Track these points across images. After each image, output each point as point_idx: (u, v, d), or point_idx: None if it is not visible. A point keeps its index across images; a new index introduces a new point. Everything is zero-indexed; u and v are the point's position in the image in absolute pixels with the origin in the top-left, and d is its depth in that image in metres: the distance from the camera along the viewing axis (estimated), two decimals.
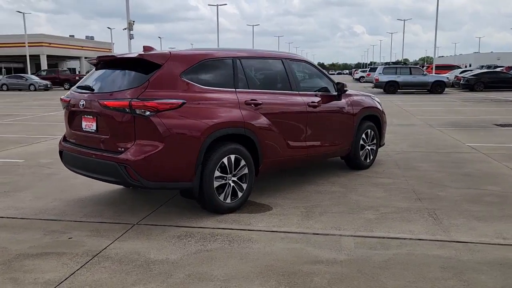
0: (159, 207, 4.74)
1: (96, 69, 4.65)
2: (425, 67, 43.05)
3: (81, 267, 3.32)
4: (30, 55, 45.68)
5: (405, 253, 3.51)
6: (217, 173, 4.30)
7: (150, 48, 4.57)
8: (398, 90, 26.43)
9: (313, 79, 5.96)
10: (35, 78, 37.76)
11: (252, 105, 4.63)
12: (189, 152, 4.07)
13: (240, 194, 4.55)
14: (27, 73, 42.55)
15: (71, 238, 3.92)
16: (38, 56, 49.24)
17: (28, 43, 44.92)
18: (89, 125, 4.29)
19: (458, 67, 42.83)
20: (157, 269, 3.29)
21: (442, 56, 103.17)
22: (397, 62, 50.24)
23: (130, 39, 24.53)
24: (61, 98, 4.77)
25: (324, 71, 6.02)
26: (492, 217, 4.32)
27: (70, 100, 4.53)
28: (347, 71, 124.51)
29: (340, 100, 5.86)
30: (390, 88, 26.22)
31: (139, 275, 3.18)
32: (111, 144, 4.07)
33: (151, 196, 5.11)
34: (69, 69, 51.33)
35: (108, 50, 57.06)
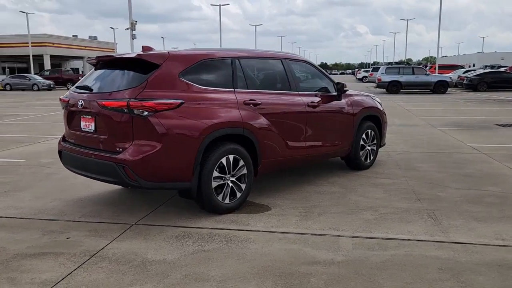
0: (158, 207, 4.74)
1: (95, 69, 4.65)
2: (428, 67, 42.90)
3: (78, 267, 3.33)
4: (33, 55, 45.83)
5: (403, 254, 3.50)
6: (215, 174, 4.30)
7: (149, 48, 4.58)
8: (401, 90, 26.37)
9: (313, 79, 5.95)
10: (38, 78, 37.91)
11: (251, 105, 4.62)
12: (187, 152, 4.07)
13: (238, 195, 4.54)
14: (31, 73, 42.68)
15: (69, 238, 3.92)
16: (42, 56, 49.40)
17: (32, 43, 45.07)
18: (87, 125, 4.30)
19: (461, 67, 42.70)
20: (154, 269, 3.29)
21: (445, 56, 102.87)
22: (400, 62, 50.17)
23: (133, 39, 24.59)
24: (60, 98, 4.78)
25: (324, 71, 6.01)
26: (492, 218, 4.30)
27: (69, 100, 4.54)
28: (350, 71, 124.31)
29: (340, 100, 5.84)
30: (393, 88, 26.15)
31: (135, 276, 3.18)
32: (109, 144, 4.08)
33: (150, 196, 5.12)
34: (72, 69, 51.46)
35: (111, 50, 57.19)
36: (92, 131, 4.26)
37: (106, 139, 4.10)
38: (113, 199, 5.09)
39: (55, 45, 50.17)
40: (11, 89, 37.05)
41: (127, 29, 24.62)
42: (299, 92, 5.27)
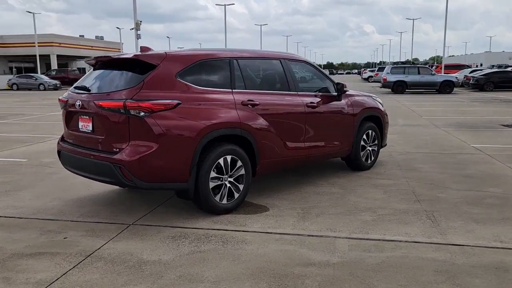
0: (156, 207, 4.74)
1: (93, 70, 4.66)
2: (434, 67, 42.65)
3: (73, 267, 3.34)
4: (40, 55, 46.11)
5: (399, 256, 3.47)
6: (213, 174, 4.29)
7: (148, 49, 4.59)
8: (406, 90, 26.23)
9: (312, 80, 5.93)
10: (44, 78, 38.17)
11: (249, 105, 4.61)
12: (184, 153, 4.06)
13: (236, 195, 4.53)
14: (38, 73, 42.96)
15: (66, 238, 3.93)
16: (49, 55, 49.67)
17: (38, 43, 45.34)
18: (85, 125, 4.31)
19: (468, 66, 42.42)
20: (148, 269, 3.29)
21: (452, 56, 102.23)
22: (406, 62, 49.90)
23: (138, 39, 24.65)
24: (59, 99, 4.80)
25: (324, 71, 5.99)
26: (491, 219, 4.26)
27: (67, 100, 4.56)
28: (356, 71, 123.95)
29: (340, 100, 5.81)
30: (398, 88, 26.01)
31: (130, 276, 3.19)
32: (106, 145, 4.08)
33: (149, 196, 5.12)
34: (79, 68, 51.69)
35: (117, 50, 57.41)
36: (89, 131, 4.27)
37: (103, 140, 4.11)
38: (112, 199, 5.10)
39: (61, 45, 50.42)
40: (18, 89, 37.34)
41: (132, 29, 24.71)
42: (298, 93, 5.26)
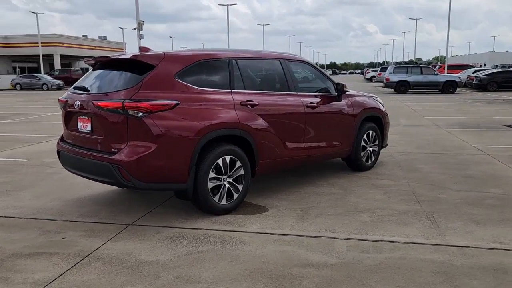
0: (156, 207, 4.75)
1: (93, 70, 4.67)
2: (437, 67, 42.52)
3: (71, 267, 3.34)
4: (43, 55, 46.27)
5: (397, 257, 3.46)
6: (211, 174, 4.29)
7: (147, 49, 4.59)
8: (409, 90, 26.15)
9: (312, 80, 5.92)
10: (48, 78, 38.29)
11: (248, 106, 4.61)
12: (183, 154, 4.06)
13: (235, 195, 4.53)
14: (41, 73, 43.12)
15: (65, 238, 3.94)
16: (52, 55, 49.84)
17: (42, 43, 45.49)
18: (84, 125, 4.31)
19: (471, 66, 42.26)
20: (146, 270, 3.29)
21: (456, 56, 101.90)
22: (409, 62, 49.76)
23: (140, 39, 24.71)
24: (58, 99, 4.81)
25: (323, 71, 5.97)
26: (491, 220, 4.24)
27: (67, 100, 4.56)
28: (359, 71, 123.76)
29: (340, 100, 5.80)
30: (401, 88, 25.94)
31: (127, 276, 3.19)
32: (105, 145, 4.09)
33: (149, 197, 5.12)
34: (82, 69, 51.79)
35: (120, 50, 57.52)
36: (88, 131, 4.27)
37: (102, 140, 4.12)
38: (112, 199, 5.11)
39: (64, 45, 50.59)
40: (21, 89, 37.46)
41: (134, 29, 24.77)
42: (298, 93, 5.25)
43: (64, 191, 5.43)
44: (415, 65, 30.56)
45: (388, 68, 29.12)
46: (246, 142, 4.57)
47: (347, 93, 6.00)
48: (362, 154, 6.20)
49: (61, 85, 36.94)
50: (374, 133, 6.37)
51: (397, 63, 43.60)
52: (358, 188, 5.46)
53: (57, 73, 42.07)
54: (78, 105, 4.31)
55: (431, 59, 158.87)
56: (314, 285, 3.03)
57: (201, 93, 4.31)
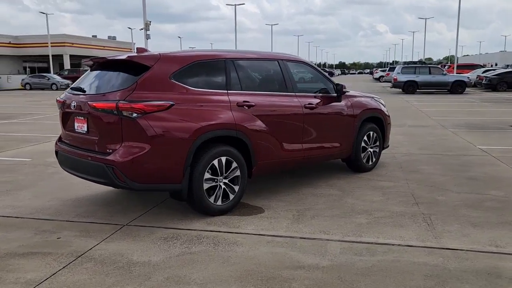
0: (152, 208, 4.75)
1: (90, 71, 4.69)
2: (446, 66, 42.12)
3: (63, 267, 3.36)
4: (53, 55, 46.67)
5: (390, 259, 3.42)
6: (207, 175, 4.28)
7: (144, 50, 4.61)
8: (417, 90, 25.94)
9: (311, 80, 5.88)
10: (57, 78, 38.68)
11: (245, 106, 4.59)
12: (177, 154, 4.06)
13: (231, 196, 4.52)
14: (51, 73, 43.54)
15: (59, 238, 3.96)
16: (62, 55, 50.26)
17: (51, 43, 45.90)
18: (80, 126, 4.33)
19: (481, 66, 41.79)
20: (137, 271, 3.29)
21: (467, 55, 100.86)
22: (419, 62, 49.33)
23: (147, 39, 24.84)
24: (57, 99, 4.84)
25: (323, 72, 5.94)
26: (489, 223, 4.18)
27: (64, 101, 4.59)
28: (368, 71, 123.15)
29: (340, 101, 5.76)
30: (409, 88, 25.74)
31: (118, 277, 3.19)
32: (100, 146, 4.10)
33: (146, 197, 5.13)
34: None
35: (129, 50, 57.78)
36: (84, 132, 4.29)
37: (97, 140, 4.13)
38: (110, 199, 5.13)
39: (74, 45, 50.96)
40: (30, 88, 37.88)
41: (142, 29, 24.91)
42: (296, 94, 5.22)
43: (63, 191, 5.46)
44: (423, 65, 30.28)
45: (396, 68, 28.93)
46: (243, 143, 4.56)
47: (347, 93, 5.96)
48: (362, 155, 6.15)
49: (70, 85, 37.19)
50: (375, 134, 6.32)
51: (405, 63, 43.23)
52: (356, 189, 5.42)
53: (66, 73, 42.43)
54: (74, 105, 4.33)
55: (441, 58, 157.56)
56: (304, 287, 3.01)
57: (197, 94, 4.31)
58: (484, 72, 31.52)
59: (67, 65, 49.85)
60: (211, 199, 4.36)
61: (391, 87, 28.47)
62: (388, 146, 6.95)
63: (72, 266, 3.38)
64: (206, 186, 4.29)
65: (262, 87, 5.04)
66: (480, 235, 3.90)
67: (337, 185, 5.65)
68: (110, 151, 3.99)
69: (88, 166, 4.18)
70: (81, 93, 4.40)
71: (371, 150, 6.32)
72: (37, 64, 53.58)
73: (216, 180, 4.38)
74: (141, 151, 3.92)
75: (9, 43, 49.30)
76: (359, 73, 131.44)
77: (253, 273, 3.24)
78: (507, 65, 46.99)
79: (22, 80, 39.36)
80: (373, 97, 6.59)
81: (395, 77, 26.47)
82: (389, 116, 6.73)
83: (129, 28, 62.54)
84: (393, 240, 3.79)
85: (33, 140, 9.60)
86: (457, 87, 25.15)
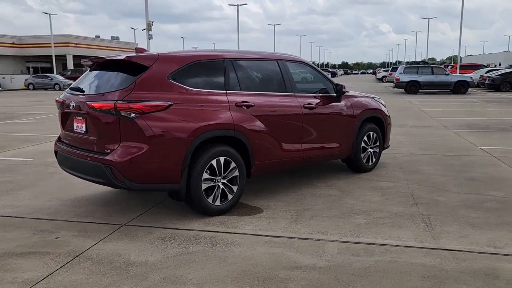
0: (151, 208, 4.76)
1: (89, 71, 4.70)
2: (449, 67, 41.99)
3: (60, 267, 3.36)
4: (56, 55, 46.83)
5: (388, 260, 3.41)
6: (205, 175, 4.28)
7: (142, 50, 4.62)
8: (420, 90, 25.89)
9: (311, 81, 5.88)
10: (60, 78, 38.79)
11: (244, 107, 4.59)
12: (175, 154, 4.06)
13: (230, 197, 4.52)
14: (54, 73, 43.69)
15: (58, 237, 3.97)
16: (65, 56, 50.41)
17: (55, 43, 46.03)
18: (79, 126, 4.34)
19: (484, 66, 41.65)
20: (134, 271, 3.29)
21: (470, 55, 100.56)
22: (422, 62, 49.18)
23: (149, 39, 24.88)
24: (56, 100, 4.85)
25: (323, 72, 5.93)
26: (488, 224, 4.16)
27: (63, 101, 4.60)
28: (371, 71, 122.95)
29: (340, 101, 5.74)
30: (412, 88, 25.67)
31: (114, 277, 3.20)
32: (98, 146, 4.11)
33: (145, 197, 5.13)
34: None
35: (132, 50, 57.82)
36: (83, 132, 4.30)
37: (96, 141, 4.14)
38: (109, 199, 5.13)
39: (77, 45, 51.09)
40: (34, 89, 38.01)
41: (144, 29, 24.94)
42: (295, 94, 5.21)
43: (63, 191, 5.48)
44: (425, 65, 30.16)
45: (399, 68, 28.82)
46: (241, 143, 4.55)
47: (347, 94, 5.95)
48: (362, 155, 6.14)
49: None
50: (375, 134, 6.31)
51: (407, 63, 43.06)
52: (356, 190, 5.41)
53: (69, 73, 42.57)
54: (73, 105, 4.34)
55: (444, 58, 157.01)
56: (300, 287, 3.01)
57: (195, 94, 4.31)
58: (487, 72, 31.42)
59: (70, 65, 49.99)
60: (210, 199, 4.36)
61: (393, 87, 28.43)
62: (389, 146, 6.93)
63: (70, 265, 3.39)
64: (204, 186, 4.29)
65: (261, 87, 5.04)
66: (478, 235, 3.88)
67: (337, 185, 5.64)
68: (109, 151, 3.99)
69: (87, 166, 4.18)
70: (80, 93, 4.41)
71: (371, 150, 6.30)
72: (40, 64, 53.76)
73: (214, 180, 4.38)
74: (139, 151, 3.92)
75: (13, 43, 49.52)
76: (362, 73, 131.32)
77: (249, 273, 3.23)
78: (511, 65, 46.82)
79: (25, 80, 39.50)
80: (373, 97, 6.58)
81: (398, 77, 26.41)
82: (389, 116, 6.71)
83: (132, 28, 62.71)
84: (391, 241, 3.78)
85: (35, 140, 9.63)
86: (460, 87, 25.07)
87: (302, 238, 3.87)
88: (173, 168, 4.08)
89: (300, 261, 3.41)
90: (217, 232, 4.05)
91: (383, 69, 62.82)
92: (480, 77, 29.96)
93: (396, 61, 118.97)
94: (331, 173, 6.26)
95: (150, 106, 3.95)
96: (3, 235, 4.04)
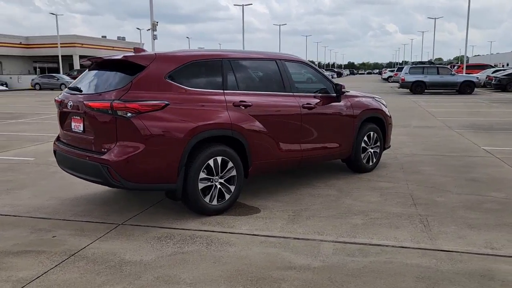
0: (148, 207, 4.76)
1: (88, 70, 4.72)
2: (456, 67, 41.72)
3: (55, 266, 3.37)
4: (63, 55, 47.11)
5: (383, 261, 3.39)
6: (202, 175, 4.28)
7: (141, 50, 4.62)
8: (425, 91, 25.75)
9: (310, 80, 5.86)
10: (66, 78, 39.00)
11: (241, 106, 4.58)
12: (172, 154, 4.07)
13: (227, 196, 4.51)
14: (60, 73, 43.98)
15: (54, 236, 3.99)
16: (71, 56, 50.71)
17: (61, 43, 46.31)
18: (77, 125, 4.36)
19: (491, 66, 41.33)
20: (128, 270, 3.30)
21: (477, 55, 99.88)
22: (428, 62, 48.90)
23: (154, 39, 24.97)
24: (55, 99, 4.87)
25: (322, 71, 5.91)
26: (487, 225, 4.12)
27: (62, 101, 4.62)
28: (377, 71, 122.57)
29: (339, 101, 5.72)
30: (417, 88, 25.54)
31: (108, 276, 3.20)
32: (95, 145, 4.12)
33: (144, 197, 5.14)
34: None
35: None
36: (81, 131, 4.32)
37: (93, 140, 4.15)
38: (107, 199, 5.15)
39: (83, 45, 51.35)
40: (40, 89, 38.28)
41: (149, 29, 25.03)
42: (294, 93, 5.20)
43: (63, 190, 5.50)
44: (431, 65, 29.97)
45: (404, 68, 28.72)
46: (239, 143, 4.55)
47: (347, 94, 5.92)
48: (362, 155, 6.11)
49: None
50: (375, 135, 6.27)
51: (412, 63, 42.83)
52: (355, 190, 5.38)
53: (75, 73, 42.78)
54: (71, 105, 4.36)
55: (452, 59, 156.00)
56: None
57: (193, 94, 4.31)
58: (493, 72, 31.18)
59: (76, 65, 50.24)
60: (207, 199, 4.36)
61: (399, 88, 28.30)
62: (390, 146, 6.89)
63: (64, 264, 3.40)
64: (201, 185, 4.29)
65: (260, 87, 5.02)
66: (476, 236, 3.85)
67: (336, 185, 5.61)
68: (105, 150, 4.00)
69: (84, 166, 4.20)
70: (78, 92, 4.43)
71: (372, 150, 6.27)
72: (47, 65, 54.12)
73: (211, 180, 4.38)
74: (135, 151, 3.93)
75: (20, 43, 49.91)
76: (368, 73, 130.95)
77: (243, 273, 3.23)
78: None
79: (32, 80, 39.80)
80: (374, 97, 6.55)
81: (403, 77, 26.30)
82: (390, 117, 6.67)
83: (138, 28, 62.92)
84: (387, 241, 3.76)
85: (37, 139, 9.69)
86: (466, 88, 24.90)
87: (298, 238, 3.86)
88: (170, 168, 4.08)
89: (295, 261, 3.40)
90: (213, 231, 4.05)
91: (389, 69, 62.57)
92: (486, 77, 29.76)
93: (403, 61, 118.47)
94: (330, 173, 6.24)
95: (146, 106, 3.96)
96: (1, 234, 4.06)
